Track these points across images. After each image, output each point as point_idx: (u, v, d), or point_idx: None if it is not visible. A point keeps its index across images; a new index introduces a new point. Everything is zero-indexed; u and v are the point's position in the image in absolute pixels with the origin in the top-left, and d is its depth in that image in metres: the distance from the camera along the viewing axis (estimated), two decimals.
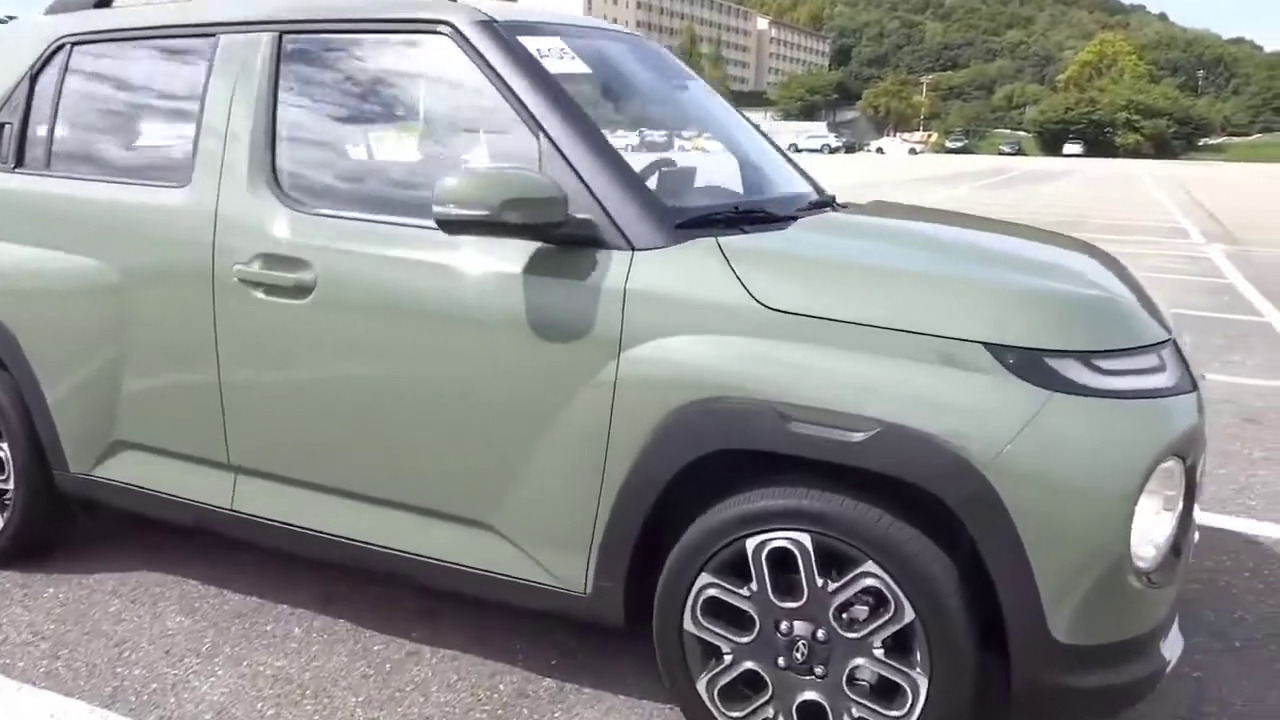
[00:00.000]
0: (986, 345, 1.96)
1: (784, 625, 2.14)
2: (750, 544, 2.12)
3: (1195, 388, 2.13)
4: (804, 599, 2.11)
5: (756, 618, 2.16)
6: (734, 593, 2.17)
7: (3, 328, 2.96)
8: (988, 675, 2.07)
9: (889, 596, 2.03)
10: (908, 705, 2.07)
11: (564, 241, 2.24)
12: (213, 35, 2.71)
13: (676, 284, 2.15)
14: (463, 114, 2.51)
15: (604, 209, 2.23)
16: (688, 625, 2.22)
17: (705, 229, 2.28)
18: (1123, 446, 1.91)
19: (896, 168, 45.11)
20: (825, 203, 2.92)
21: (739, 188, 3.04)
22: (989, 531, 1.93)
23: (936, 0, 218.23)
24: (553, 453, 2.27)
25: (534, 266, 2.26)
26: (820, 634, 2.11)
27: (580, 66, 2.53)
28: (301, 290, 2.48)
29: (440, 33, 2.44)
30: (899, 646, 2.07)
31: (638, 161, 2.51)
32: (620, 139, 3.15)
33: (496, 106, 2.37)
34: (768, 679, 2.18)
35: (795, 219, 2.52)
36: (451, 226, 2.15)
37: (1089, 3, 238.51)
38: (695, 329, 2.12)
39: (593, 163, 2.26)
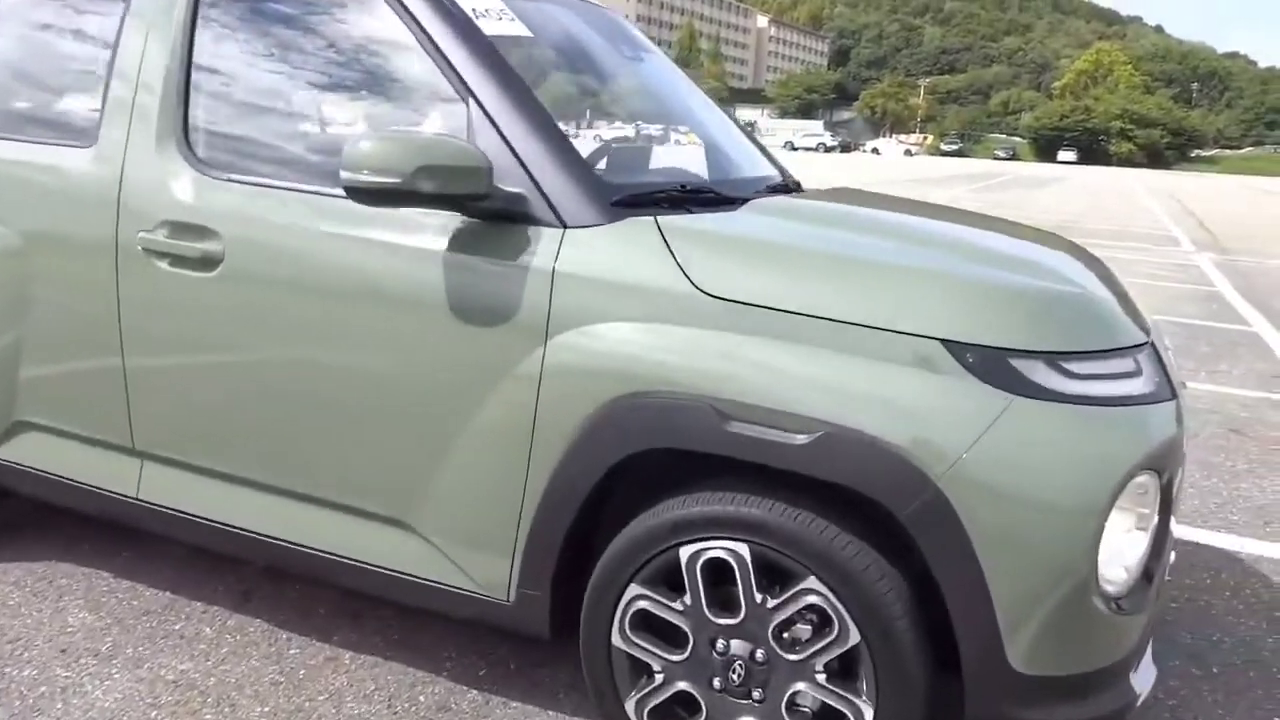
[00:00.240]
0: (944, 342, 1.77)
1: (720, 643, 1.95)
2: (684, 553, 1.93)
3: (1175, 396, 1.95)
4: (742, 615, 1.92)
5: (690, 634, 1.97)
6: (666, 606, 1.97)
7: None
8: (942, 704, 1.89)
9: (833, 616, 1.84)
10: None
11: (489, 216, 2.05)
12: None
13: (609, 265, 1.96)
14: (391, 75, 2.30)
15: (534, 181, 2.03)
16: (616, 640, 2.03)
17: (646, 208, 2.08)
18: (1092, 458, 1.73)
19: (891, 168, 44.97)
20: (786, 187, 2.72)
21: (705, 173, 2.84)
22: (942, 548, 1.74)
23: (936, 4, 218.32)
24: (473, 447, 2.07)
25: (456, 243, 2.06)
26: (759, 654, 1.92)
27: (520, 29, 2.32)
28: (208, 262, 2.27)
29: None
30: (843, 671, 1.88)
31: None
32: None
33: (426, 68, 2.17)
34: (701, 701, 1.99)
35: (748, 201, 2.33)
36: (361, 195, 1.95)
37: (1087, 12, 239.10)
38: (627, 315, 1.92)
39: (524, 131, 2.06)
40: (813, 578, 1.84)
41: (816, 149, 73.63)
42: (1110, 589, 1.79)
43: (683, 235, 1.98)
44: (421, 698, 2.39)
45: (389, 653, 2.57)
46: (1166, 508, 1.89)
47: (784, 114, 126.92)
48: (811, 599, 1.85)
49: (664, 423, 1.88)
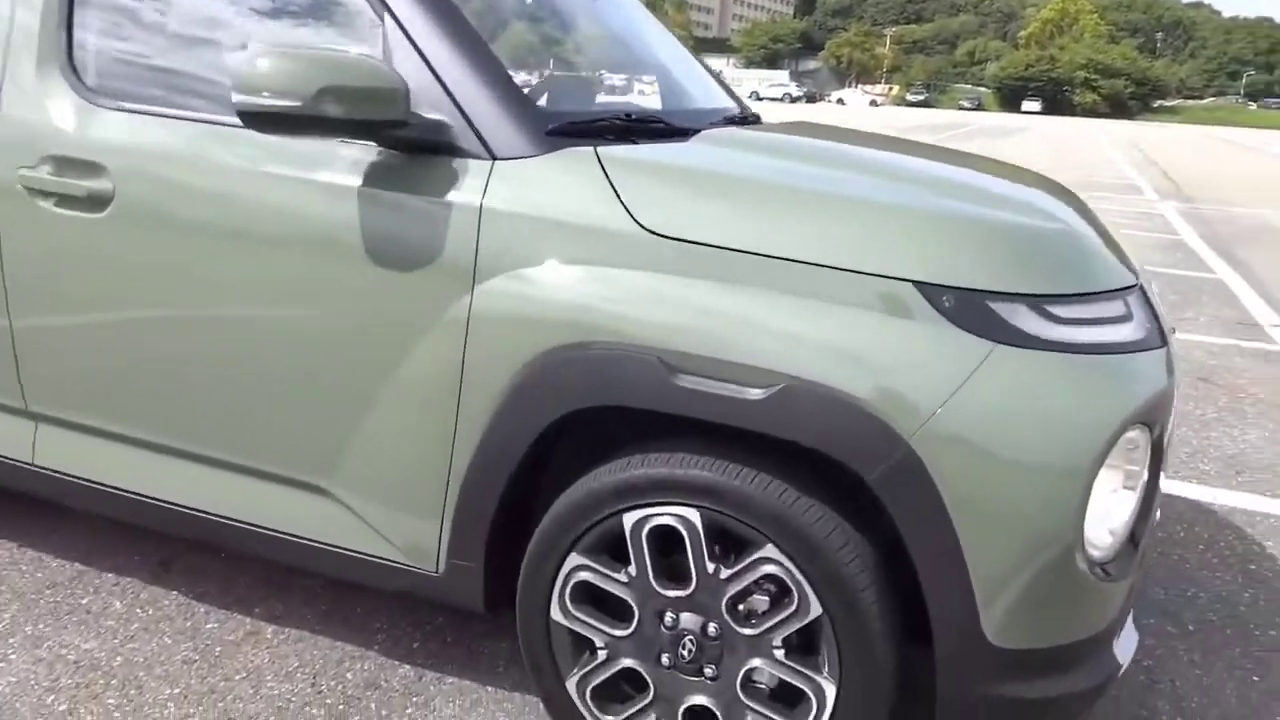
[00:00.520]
0: (918, 285, 1.59)
1: (669, 617, 1.77)
2: (628, 520, 1.74)
3: (1166, 343, 1.78)
4: (692, 587, 1.74)
5: (635, 607, 1.79)
6: (609, 577, 1.79)
7: None
8: (911, 678, 1.73)
9: (792, 587, 1.67)
10: (811, 715, 1.72)
11: (408, 147, 1.82)
12: None
13: (543, 201, 1.74)
14: None
15: (458, 107, 1.80)
16: (555, 614, 1.85)
17: (586, 139, 1.86)
18: (1080, 412, 1.55)
19: (856, 118, 44.70)
20: (744, 119, 2.51)
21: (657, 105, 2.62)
22: (914, 513, 1.57)
23: None
24: (395, 404, 1.87)
25: (372, 178, 1.84)
26: (711, 629, 1.75)
27: None
28: (97, 201, 2.02)
29: None
30: (804, 646, 1.72)
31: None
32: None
33: None
34: (649, 679, 1.82)
35: (699, 133, 2.11)
36: (257, 120, 1.71)
37: None
38: (564, 256, 1.71)
39: (447, 51, 1.83)
40: (770, 545, 1.66)
41: (782, 99, 73.24)
42: (1095, 553, 1.63)
43: (626, 167, 1.76)
44: (349, 674, 2.21)
45: (316, 626, 2.38)
46: (1157, 465, 1.73)
47: (749, 64, 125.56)
48: (769, 568, 1.68)
49: (605, 377, 1.68)
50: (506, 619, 2.02)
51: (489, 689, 2.18)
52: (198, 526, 2.15)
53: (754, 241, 1.64)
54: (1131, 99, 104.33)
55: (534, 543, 1.84)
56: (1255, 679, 2.41)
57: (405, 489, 1.91)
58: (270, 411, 2.00)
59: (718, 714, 1.79)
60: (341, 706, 2.09)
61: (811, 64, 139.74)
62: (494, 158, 1.79)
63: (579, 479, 1.79)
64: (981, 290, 1.58)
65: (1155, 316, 1.80)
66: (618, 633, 1.81)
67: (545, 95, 2.34)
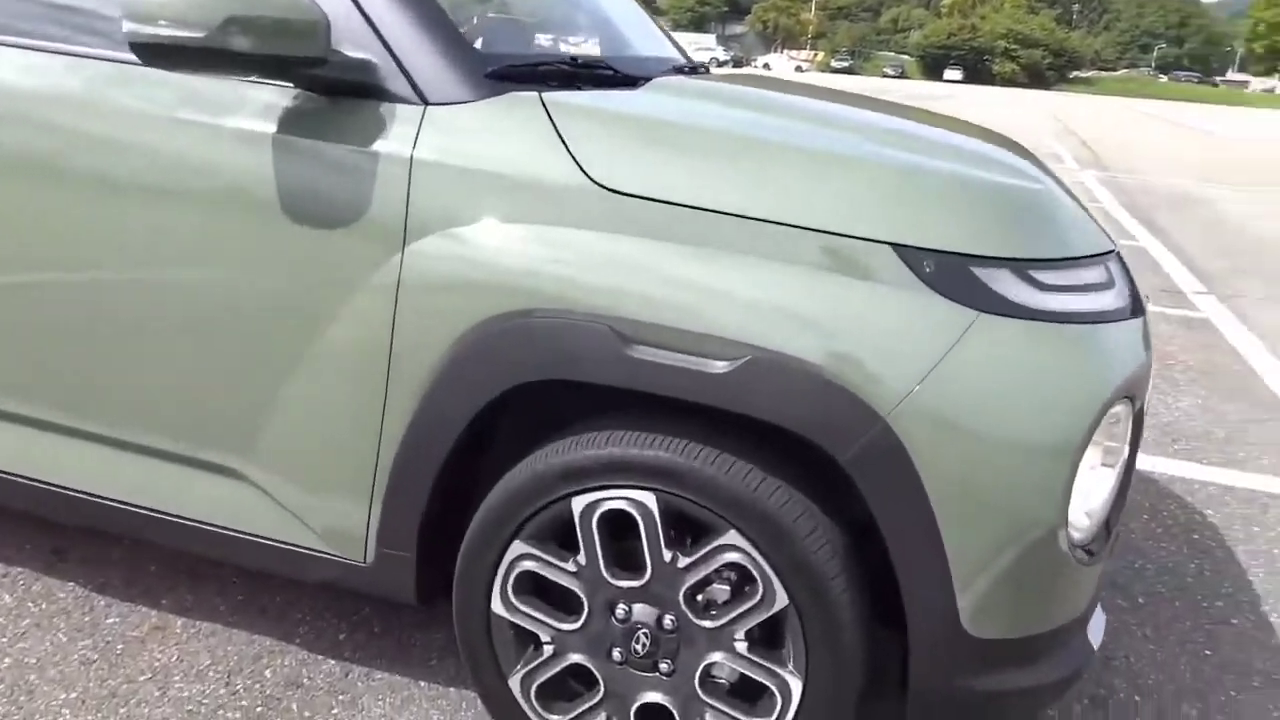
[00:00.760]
0: (895, 247, 1.45)
1: (620, 609, 1.63)
2: (577, 505, 1.59)
3: (1144, 311, 1.69)
4: (647, 577, 1.60)
5: (585, 599, 1.64)
6: (556, 567, 1.64)
7: None
8: (881, 672, 1.62)
9: (756, 576, 1.54)
10: (775, 712, 1.60)
11: (330, 89, 1.63)
12: None
13: (481, 152, 1.57)
14: None
15: (385, 45, 1.61)
16: (497, 607, 1.69)
17: (529, 84, 1.68)
18: (1068, 385, 1.44)
19: None
20: (694, 69, 2.35)
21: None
22: (890, 496, 1.45)
23: None
24: (316, 378, 1.68)
25: (288, 123, 1.63)
26: (667, 621, 1.61)
27: None
28: None
29: None
30: (767, 639, 1.59)
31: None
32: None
33: None
34: (599, 675, 1.68)
35: (650, 80, 1.95)
36: (152, 54, 1.50)
37: None
38: (504, 214, 1.54)
39: None
40: (732, 531, 1.52)
41: (709, 63, 73.13)
42: (1076, 534, 1.53)
43: (574, 115, 1.59)
44: (268, 672, 2.03)
45: (231, 618, 2.19)
46: (1136, 439, 1.64)
47: (676, 27, 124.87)
48: (731, 556, 1.54)
49: (551, 349, 1.52)
50: (440, 607, 1.86)
51: (421, 684, 2.03)
52: (95, 514, 1.93)
53: (718, 199, 1.49)
54: (1049, 69, 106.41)
55: (473, 530, 1.68)
56: (1207, 653, 2.37)
57: (328, 471, 1.73)
58: (174, 386, 1.79)
59: (674, 712, 1.66)
60: (260, 708, 1.92)
61: (738, 29, 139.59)
62: (426, 102, 1.60)
63: (523, 460, 1.63)
64: (963, 254, 1.46)
65: (1131, 284, 1.71)
66: (565, 626, 1.67)
67: (482, 37, 2.14)
